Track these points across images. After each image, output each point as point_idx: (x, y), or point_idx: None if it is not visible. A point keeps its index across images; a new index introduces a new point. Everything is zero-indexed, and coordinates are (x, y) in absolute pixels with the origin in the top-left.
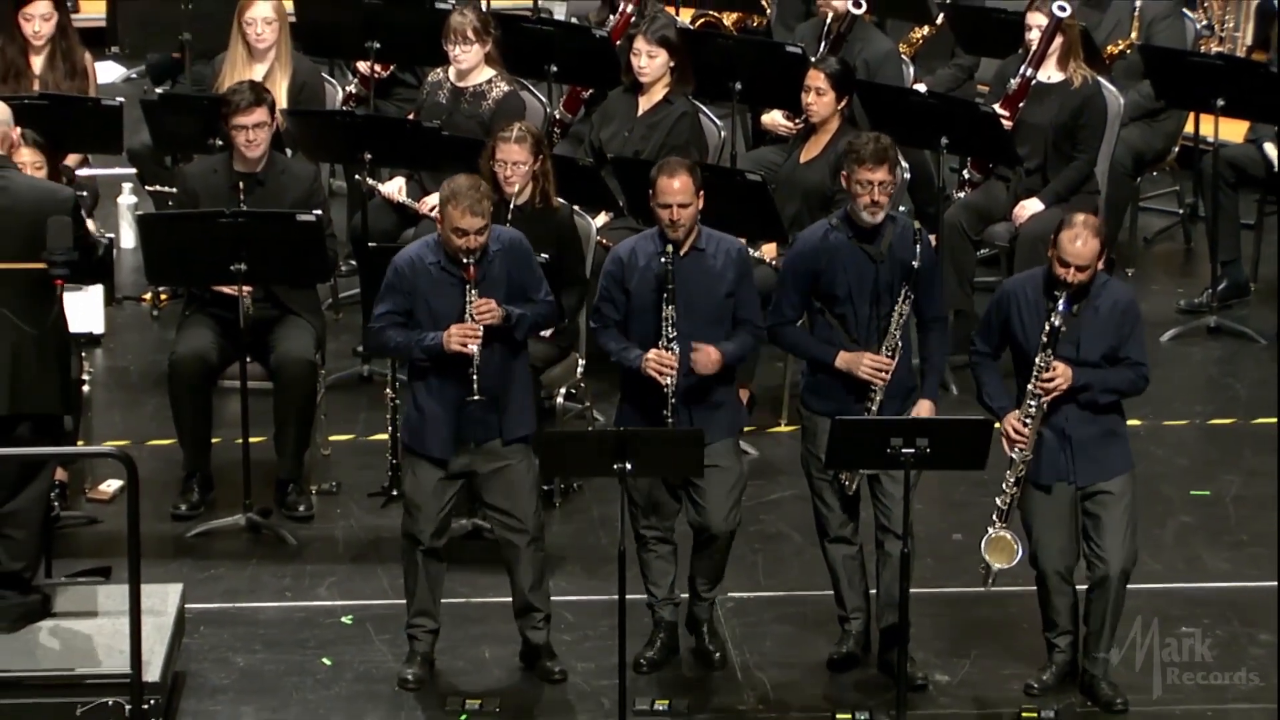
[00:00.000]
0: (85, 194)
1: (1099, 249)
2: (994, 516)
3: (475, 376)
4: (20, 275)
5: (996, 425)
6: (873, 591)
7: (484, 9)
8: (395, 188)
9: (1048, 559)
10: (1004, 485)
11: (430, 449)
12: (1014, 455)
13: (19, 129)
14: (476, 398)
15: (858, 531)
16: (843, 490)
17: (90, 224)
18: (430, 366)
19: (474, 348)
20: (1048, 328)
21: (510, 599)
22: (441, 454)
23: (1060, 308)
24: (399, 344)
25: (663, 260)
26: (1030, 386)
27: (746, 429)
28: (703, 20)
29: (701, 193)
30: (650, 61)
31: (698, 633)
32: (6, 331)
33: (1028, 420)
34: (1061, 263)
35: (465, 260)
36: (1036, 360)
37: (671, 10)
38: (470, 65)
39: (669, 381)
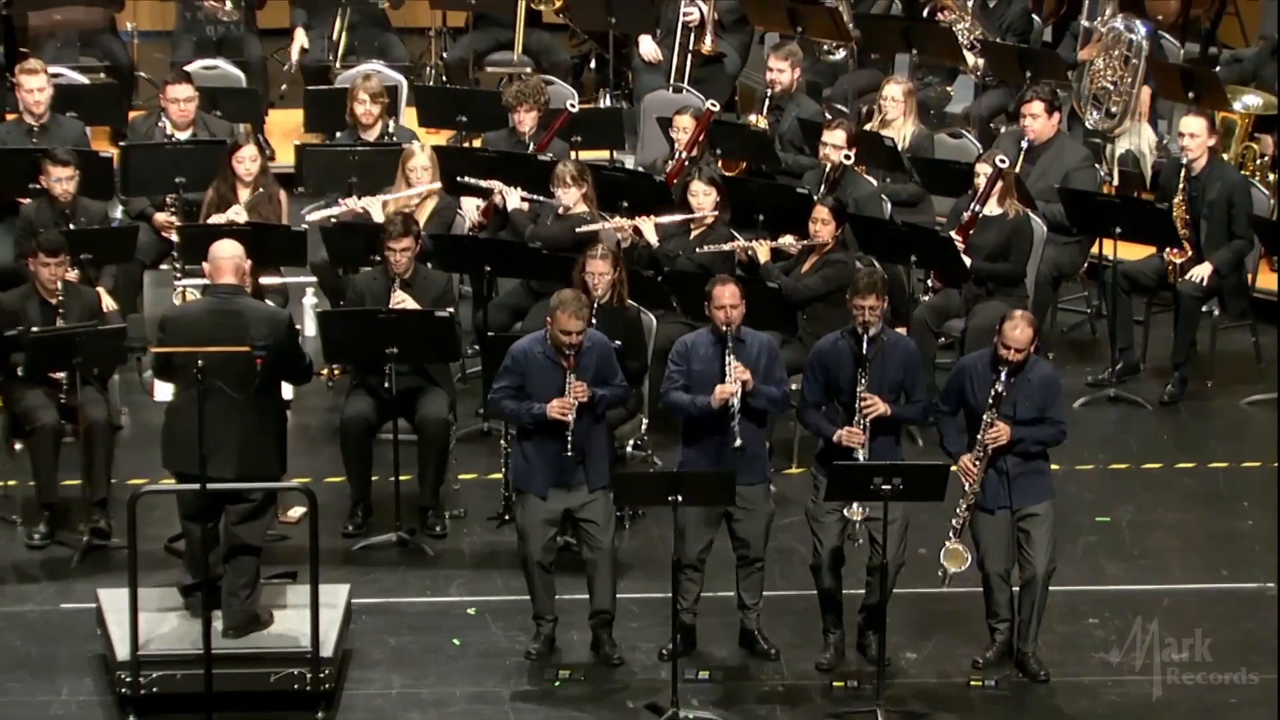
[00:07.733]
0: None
1: (1032, 336)
2: (950, 533)
3: (570, 437)
4: (251, 371)
5: (954, 468)
6: (848, 591)
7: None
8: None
9: (991, 563)
10: (958, 509)
11: (534, 488)
12: (966, 486)
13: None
14: (570, 454)
15: (842, 567)
16: (834, 538)
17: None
18: (534, 429)
19: (570, 417)
20: (993, 394)
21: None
22: (541, 492)
23: (1002, 379)
24: (512, 410)
25: (725, 328)
26: (979, 437)
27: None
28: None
29: (744, 299)
30: (706, 198)
31: (752, 641)
32: (235, 413)
33: (977, 462)
34: (1004, 346)
35: (566, 352)
36: (984, 418)
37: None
38: (571, 202)
39: (734, 403)
